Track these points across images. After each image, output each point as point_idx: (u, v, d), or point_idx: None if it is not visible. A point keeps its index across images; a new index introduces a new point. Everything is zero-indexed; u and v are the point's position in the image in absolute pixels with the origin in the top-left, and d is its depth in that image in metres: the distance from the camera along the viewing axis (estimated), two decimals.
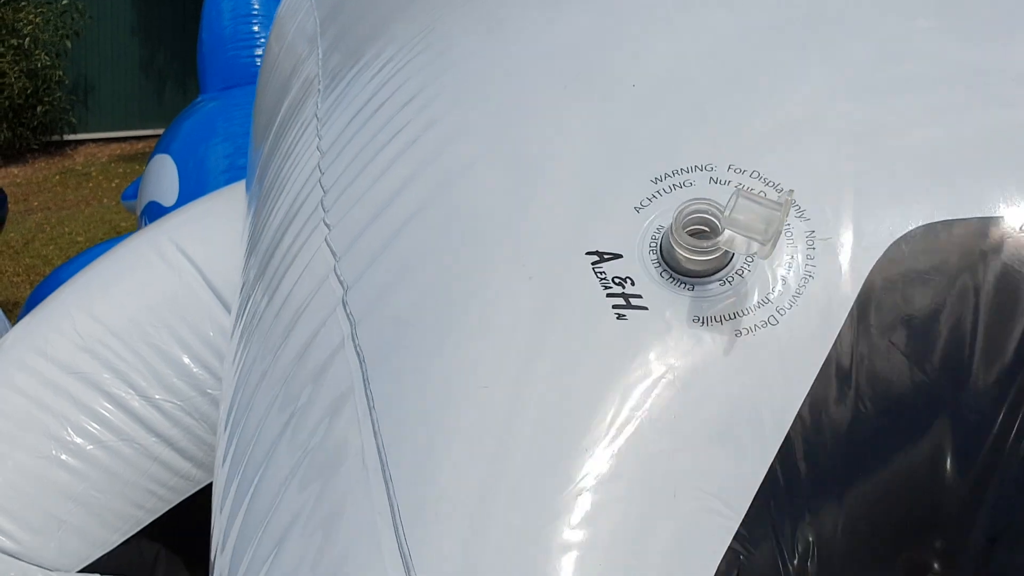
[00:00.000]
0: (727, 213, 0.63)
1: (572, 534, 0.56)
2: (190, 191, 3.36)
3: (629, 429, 0.60)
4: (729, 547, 0.55)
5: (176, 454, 2.14)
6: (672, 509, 0.57)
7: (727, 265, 0.65)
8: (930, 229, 0.64)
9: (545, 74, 0.89)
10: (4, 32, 8.06)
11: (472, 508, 0.60)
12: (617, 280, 0.66)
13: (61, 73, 8.63)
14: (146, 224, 3.49)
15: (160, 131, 8.98)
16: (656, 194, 0.70)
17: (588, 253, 0.68)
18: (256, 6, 4.00)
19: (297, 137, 1.31)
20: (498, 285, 0.71)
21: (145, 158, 8.25)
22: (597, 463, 0.58)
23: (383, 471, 0.65)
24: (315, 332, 0.86)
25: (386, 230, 0.86)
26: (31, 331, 2.28)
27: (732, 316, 0.63)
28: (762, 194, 0.65)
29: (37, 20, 8.23)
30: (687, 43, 0.84)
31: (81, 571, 2.11)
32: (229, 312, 2.15)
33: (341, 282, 0.88)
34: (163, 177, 3.51)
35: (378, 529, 0.62)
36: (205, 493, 2.17)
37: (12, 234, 5.44)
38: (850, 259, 0.64)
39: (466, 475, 0.61)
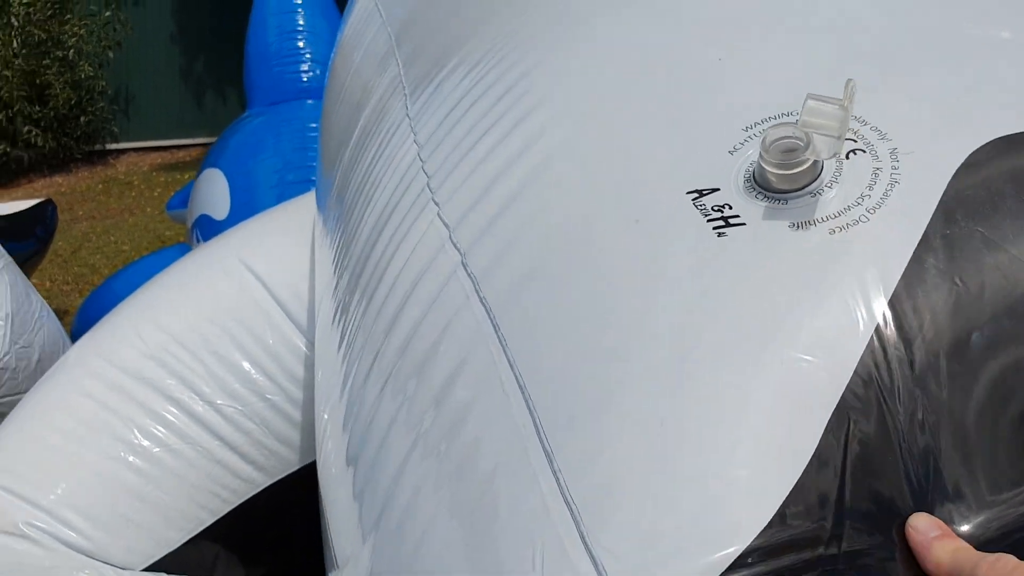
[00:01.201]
0: (800, 118, 0.70)
1: (706, 436, 0.61)
2: (241, 204, 3.48)
3: (738, 334, 0.66)
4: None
5: (238, 458, 2.25)
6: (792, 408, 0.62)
7: (816, 179, 0.71)
8: (1001, 143, 0.71)
9: (632, 58, 0.98)
10: (50, 44, 8.26)
11: (605, 407, 0.67)
12: (716, 208, 0.74)
13: (104, 83, 8.82)
14: (198, 236, 3.60)
15: (200, 140, 9.16)
16: (747, 139, 0.78)
17: (688, 192, 0.76)
18: (301, 23, 4.12)
19: (386, 140, 1.40)
20: (607, 230, 0.80)
21: (185, 167, 8.42)
22: (729, 373, 0.64)
23: (522, 392, 0.73)
24: (435, 296, 0.95)
25: (497, 200, 0.94)
26: (99, 339, 2.39)
27: (824, 219, 0.70)
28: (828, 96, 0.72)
29: (81, 32, 8.43)
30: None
31: (146, 569, 2.21)
32: (293, 322, 2.28)
33: (458, 248, 0.96)
34: (214, 191, 3.64)
35: (523, 437, 0.70)
36: (263, 495, 2.28)
37: (60, 243, 5.59)
38: (932, 167, 0.71)
39: (597, 388, 0.68)
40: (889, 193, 0.70)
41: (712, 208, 0.74)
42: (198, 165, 7.52)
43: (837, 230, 0.69)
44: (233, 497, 2.28)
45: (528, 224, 0.89)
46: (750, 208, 0.73)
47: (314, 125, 3.70)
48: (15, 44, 8.01)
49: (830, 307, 0.66)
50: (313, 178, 3.44)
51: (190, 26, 9.22)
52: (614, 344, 0.71)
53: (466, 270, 0.92)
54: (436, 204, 1.06)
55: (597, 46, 1.05)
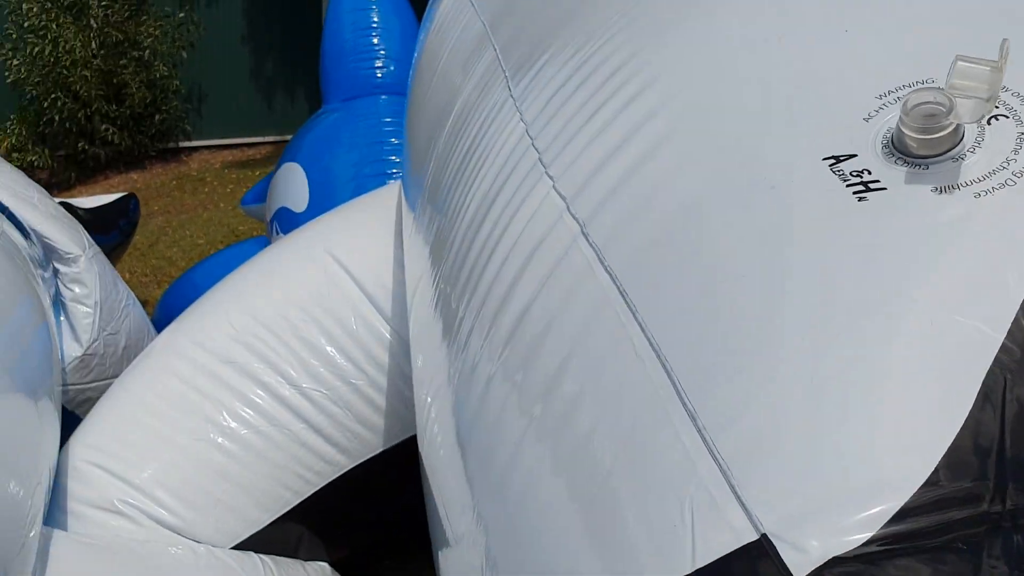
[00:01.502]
0: (948, 80, 0.69)
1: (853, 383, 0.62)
2: (319, 197, 3.55)
3: (884, 293, 0.66)
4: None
5: (322, 440, 2.30)
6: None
7: (957, 144, 0.71)
8: None
9: (754, 30, 0.98)
10: (127, 45, 8.49)
11: (746, 366, 0.67)
12: (854, 173, 0.74)
13: (177, 83, 9.03)
14: (277, 228, 3.69)
15: (269, 138, 9.33)
16: (882, 106, 0.78)
17: (824, 159, 0.76)
18: (375, 19, 4.18)
19: (487, 122, 1.41)
20: (739, 197, 0.80)
21: (256, 164, 8.59)
22: (876, 331, 0.64)
23: (657, 355, 0.74)
24: (551, 269, 0.95)
25: (619, 170, 0.95)
26: (189, 325, 2.47)
27: (969, 183, 0.69)
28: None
29: (156, 33, 8.64)
30: None
31: (233, 548, 2.28)
32: (377, 309, 2.33)
33: (576, 219, 0.97)
34: (293, 184, 3.72)
35: (662, 399, 0.71)
36: (345, 478, 2.33)
37: (137, 236, 5.74)
38: None
39: (736, 344, 0.69)
40: None
41: (850, 173, 0.74)
42: (268, 162, 7.66)
43: (983, 194, 0.69)
44: (317, 479, 2.33)
45: (653, 192, 0.89)
46: (890, 173, 0.73)
47: (388, 120, 3.76)
48: (94, 45, 8.25)
49: (981, 268, 0.66)
50: (389, 171, 3.49)
51: (260, 26, 9.40)
52: (752, 305, 0.71)
53: (587, 240, 0.93)
54: (550, 178, 1.07)
55: (715, 21, 1.05)
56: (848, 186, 0.74)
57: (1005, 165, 0.70)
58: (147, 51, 8.73)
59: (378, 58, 4.16)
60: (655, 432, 0.70)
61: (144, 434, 2.33)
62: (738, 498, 0.61)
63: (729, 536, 0.59)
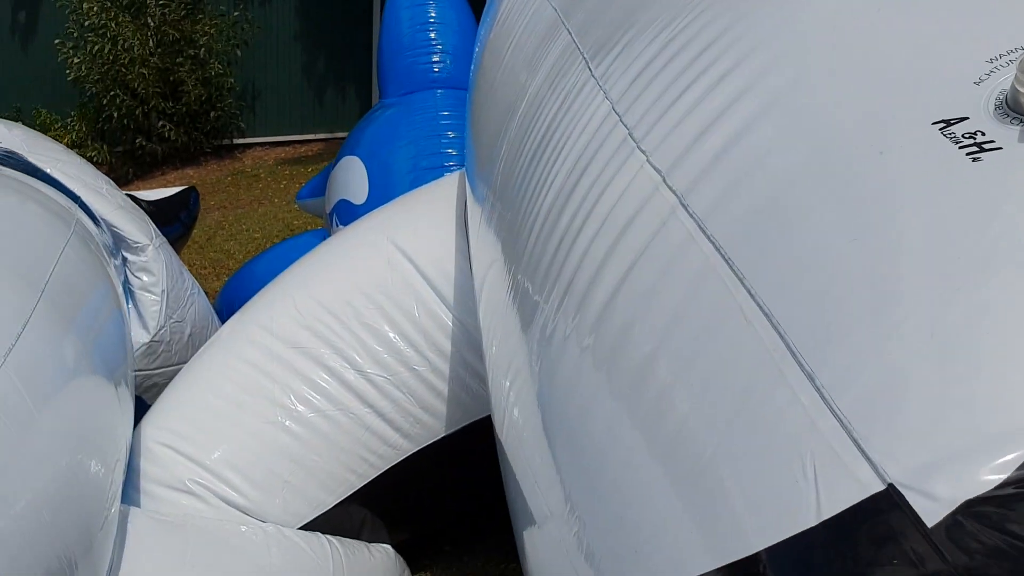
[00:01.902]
0: None
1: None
2: (379, 189, 3.60)
3: (1007, 248, 0.65)
4: None
5: (386, 424, 2.34)
6: None
7: None
8: None
9: (850, 2, 0.98)
10: (183, 44, 8.65)
11: (864, 323, 0.66)
12: (967, 135, 0.73)
13: (232, 81, 9.18)
14: (337, 220, 3.75)
15: (320, 136, 9.46)
16: (993, 70, 0.77)
17: (934, 123, 0.75)
18: (433, 14, 4.22)
19: (566, 104, 1.40)
20: (847, 163, 0.79)
21: (308, 161, 8.70)
22: (999, 286, 0.63)
23: (769, 319, 0.74)
24: (647, 242, 0.95)
25: (716, 143, 0.95)
26: (257, 310, 2.52)
27: None
28: None
29: (212, 32, 8.80)
30: None
31: (300, 528, 2.33)
32: (439, 296, 2.36)
33: (674, 191, 0.96)
34: (352, 177, 3.77)
35: (776, 360, 0.70)
36: (408, 462, 2.37)
37: (195, 231, 5.85)
38: None
39: (852, 305, 0.68)
40: None
41: (963, 136, 0.73)
42: (319, 159, 7.75)
43: None
44: (381, 463, 2.37)
45: (754, 163, 0.89)
46: (1005, 133, 0.72)
47: (446, 113, 3.80)
48: (151, 43, 8.42)
49: None
50: (446, 164, 3.53)
51: (312, 26, 9.52)
52: (866, 266, 0.71)
53: (688, 211, 0.92)
54: (643, 152, 1.06)
55: None
56: (961, 148, 0.73)
57: None
58: (203, 49, 8.89)
59: (435, 53, 4.20)
60: (771, 393, 0.70)
61: (214, 416, 2.39)
62: (862, 451, 0.60)
63: (855, 489, 0.59)
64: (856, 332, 0.67)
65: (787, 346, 0.71)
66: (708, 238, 0.87)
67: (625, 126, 1.15)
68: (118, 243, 3.16)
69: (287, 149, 9.19)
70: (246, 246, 5.89)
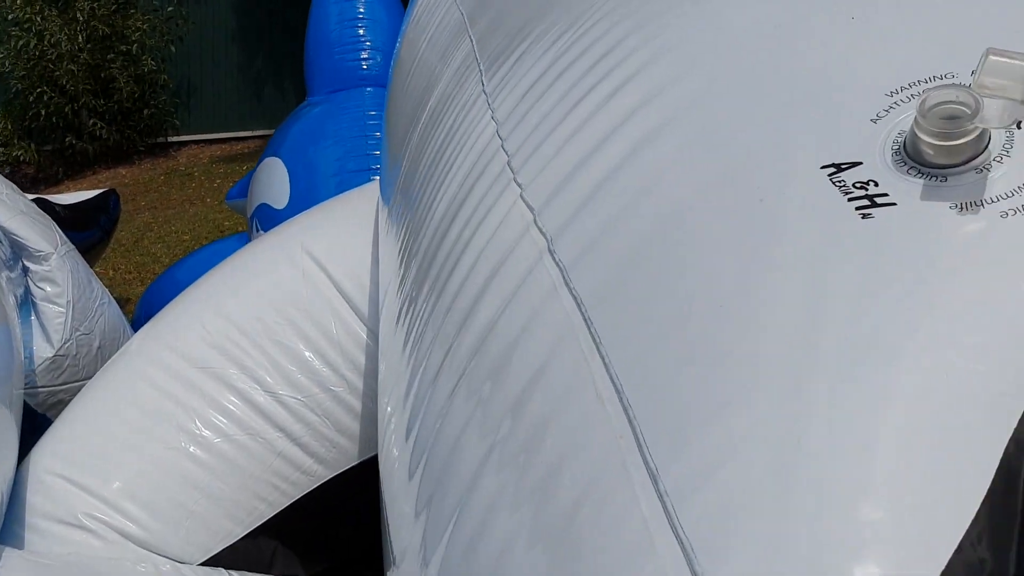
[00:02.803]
0: (975, 78, 0.59)
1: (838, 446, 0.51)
2: (301, 193, 3.44)
3: (884, 335, 0.56)
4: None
5: (299, 449, 2.19)
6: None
7: (982, 152, 0.60)
8: None
9: (748, 20, 0.88)
10: (114, 39, 8.37)
11: (718, 419, 0.57)
12: (858, 184, 0.63)
13: (166, 77, 8.91)
14: (257, 225, 3.58)
15: (258, 132, 9.22)
16: (893, 105, 0.67)
17: (823, 167, 0.65)
18: (362, 10, 4.07)
19: (459, 119, 1.31)
20: (723, 211, 0.70)
21: (244, 159, 8.48)
22: (870, 382, 0.54)
23: (620, 398, 0.64)
24: (516, 288, 0.86)
25: (591, 180, 0.85)
26: (163, 328, 2.36)
27: (995, 199, 0.58)
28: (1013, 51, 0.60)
29: (144, 27, 8.53)
30: None
31: (204, 563, 2.17)
32: (357, 313, 2.22)
33: (544, 233, 0.87)
34: (274, 180, 3.60)
35: (621, 451, 0.61)
36: (323, 490, 2.23)
37: (122, 232, 5.63)
38: None
39: (710, 396, 0.59)
40: None
41: (854, 185, 0.63)
42: (257, 157, 7.55)
43: (1011, 213, 0.57)
44: (294, 490, 2.22)
45: (627, 206, 0.78)
46: (901, 185, 0.61)
47: (374, 113, 3.65)
48: (80, 39, 8.13)
49: (1006, 305, 0.54)
50: (375, 167, 3.38)
51: (249, 20, 9.28)
52: (730, 344, 0.60)
53: (553, 257, 0.82)
54: (519, 185, 0.96)
55: (706, 10, 0.94)
56: (850, 200, 0.62)
57: None
58: (135, 45, 8.62)
59: (364, 49, 4.05)
60: (613, 491, 0.59)
61: (113, 443, 2.22)
62: None
63: None
64: (711, 426, 0.57)
65: (635, 434, 0.61)
66: (571, 292, 0.76)
67: (506, 152, 1.05)
68: (18, 252, 2.97)
69: (223, 147, 8.94)
70: (174, 249, 5.68)
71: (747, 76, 0.82)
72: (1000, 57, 0.59)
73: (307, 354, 2.20)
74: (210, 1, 9.44)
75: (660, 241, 0.73)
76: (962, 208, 0.59)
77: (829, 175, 0.64)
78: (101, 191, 4.54)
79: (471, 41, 1.50)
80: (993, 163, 0.60)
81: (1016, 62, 0.59)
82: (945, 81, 0.65)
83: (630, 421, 0.62)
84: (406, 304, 1.29)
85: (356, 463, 2.20)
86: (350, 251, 2.27)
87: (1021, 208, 0.58)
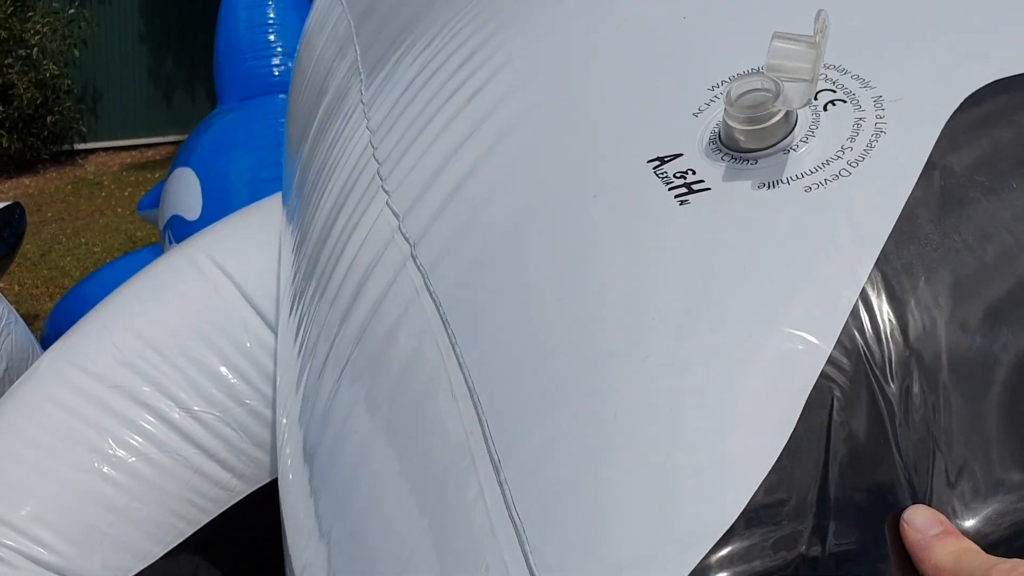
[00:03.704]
0: (768, 61, 0.63)
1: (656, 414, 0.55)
2: (214, 204, 3.39)
3: (713, 309, 0.59)
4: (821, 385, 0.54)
5: (216, 465, 2.17)
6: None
7: (789, 134, 0.65)
8: (1001, 85, 0.64)
9: (593, 24, 0.93)
10: (12, 43, 8.09)
11: (554, 405, 0.60)
12: (678, 174, 0.67)
13: (70, 82, 8.66)
14: (170, 237, 3.51)
15: (170, 138, 9.01)
16: (713, 99, 0.71)
17: (649, 161, 0.70)
18: (272, 15, 4.02)
19: (341, 128, 1.33)
20: (564, 208, 0.74)
21: (156, 166, 8.28)
22: (686, 357, 0.57)
23: (471, 395, 0.67)
24: (385, 291, 0.89)
25: (447, 185, 0.88)
26: (71, 347, 2.30)
27: (799, 176, 0.63)
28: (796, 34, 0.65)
29: (45, 30, 8.26)
30: None
31: None
32: (267, 323, 2.20)
33: (407, 239, 0.90)
34: (185, 190, 3.54)
35: (469, 443, 0.65)
36: (242, 505, 2.21)
37: (28, 246, 5.47)
38: (923, 113, 0.64)
39: (545, 385, 0.62)
40: (874, 144, 0.63)
41: (674, 175, 0.67)
42: (169, 164, 7.38)
43: (813, 187, 0.62)
44: (212, 507, 2.20)
45: (478, 208, 0.82)
46: (715, 170, 0.66)
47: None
48: None
49: (807, 273, 0.58)
50: None
51: (158, 23, 9.06)
52: (564, 335, 0.64)
53: (416, 262, 0.86)
54: (386, 192, 0.99)
55: (555, 14, 0.99)
56: (671, 189, 0.67)
57: (840, 154, 0.63)
58: (35, 49, 8.35)
59: (275, 55, 4.01)
60: (463, 487, 0.63)
61: (23, 468, 2.17)
62: (530, 569, 0.53)
63: None
64: (543, 415, 0.61)
65: (483, 431, 0.64)
66: (431, 295, 0.80)
67: (376, 160, 1.08)
68: None
69: (133, 154, 8.72)
70: (84, 262, 5.52)
71: (589, 78, 0.86)
72: (783, 41, 0.64)
73: (221, 368, 2.17)
74: (116, 4, 9.19)
75: (504, 243, 0.77)
76: (767, 186, 0.64)
77: (654, 168, 0.69)
78: (5, 204, 4.40)
79: (356, 50, 1.52)
80: (799, 144, 0.64)
81: (796, 44, 0.63)
82: (748, 71, 0.70)
83: (479, 417, 0.65)
84: (295, 306, 1.32)
85: (276, 478, 2.19)
86: (260, 261, 2.24)
87: (822, 183, 0.62)
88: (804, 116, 0.65)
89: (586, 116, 0.82)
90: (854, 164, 0.62)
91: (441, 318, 0.77)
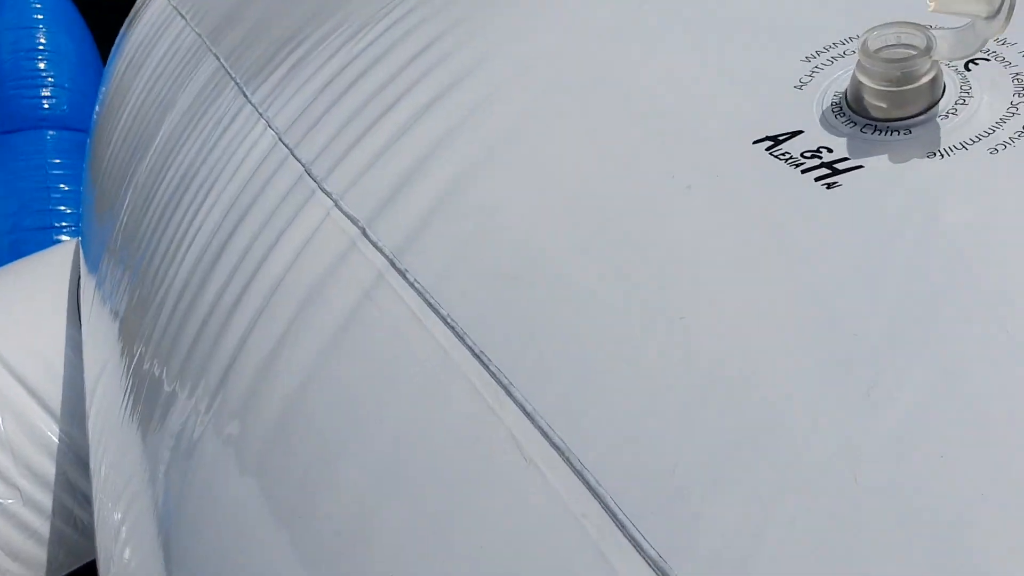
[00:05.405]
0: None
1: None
2: None
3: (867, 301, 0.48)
4: None
5: None
6: None
7: (941, 99, 0.53)
8: None
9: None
10: None
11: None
12: (808, 153, 0.54)
13: None
14: None
15: None
16: (815, 70, 0.59)
17: (756, 142, 0.56)
18: (42, 40, 3.57)
19: (214, 135, 1.15)
20: (642, 208, 0.58)
21: None
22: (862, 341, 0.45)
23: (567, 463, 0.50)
24: (352, 311, 0.71)
25: (431, 188, 0.71)
26: None
27: (978, 137, 0.52)
28: None
29: None
30: None
31: None
32: (40, 403, 1.79)
33: (380, 248, 0.72)
34: None
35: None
36: None
37: None
38: None
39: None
40: None
41: (802, 155, 0.54)
42: None
43: (999, 148, 0.50)
44: None
45: (492, 215, 0.65)
46: (861, 146, 0.53)
47: (58, 161, 3.21)
48: None
49: None
50: (57, 224, 2.94)
51: None
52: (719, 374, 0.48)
53: (405, 278, 0.66)
54: (328, 195, 0.80)
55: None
56: (805, 171, 0.53)
57: (1014, 111, 0.52)
58: None
59: (45, 86, 3.55)
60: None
61: None
62: None
63: None
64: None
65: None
66: (444, 319, 0.62)
67: (299, 161, 0.90)
68: None
69: None
70: None
71: (625, 58, 0.71)
72: None
73: None
74: None
75: (546, 252, 0.61)
76: (941, 155, 0.51)
77: (767, 149, 0.55)
78: None
79: (218, 59, 1.35)
80: (958, 106, 0.53)
81: None
82: (883, 24, 0.55)
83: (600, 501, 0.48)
84: (145, 378, 1.06)
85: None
86: (32, 331, 1.89)
87: (1008, 142, 0.51)
88: (950, 80, 0.54)
89: (633, 101, 0.65)
90: None
91: (474, 353, 0.56)
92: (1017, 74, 0.55)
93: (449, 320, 0.60)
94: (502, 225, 0.63)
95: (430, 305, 0.62)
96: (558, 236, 0.60)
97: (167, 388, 0.96)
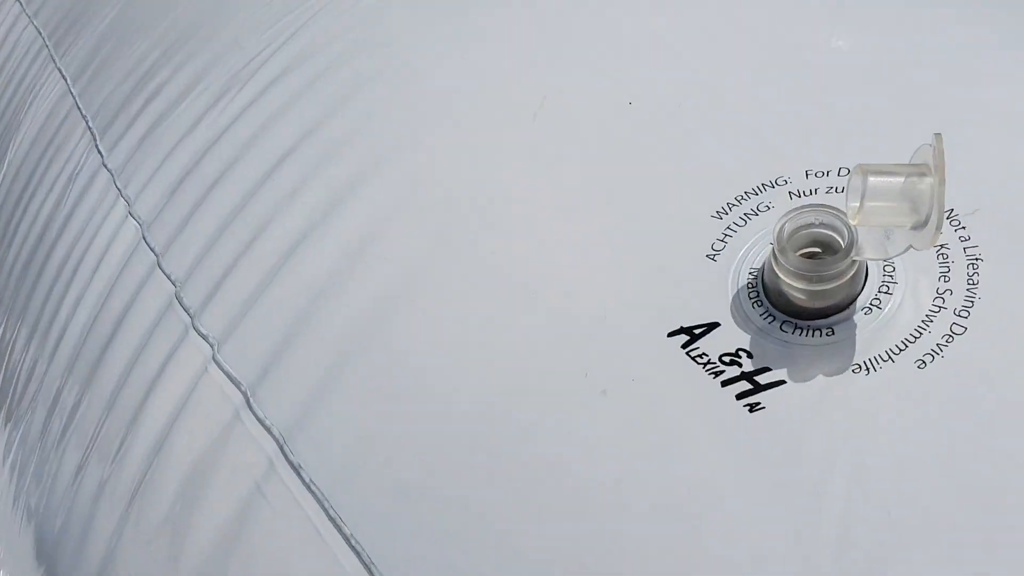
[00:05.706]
0: (852, 205, 0.46)
1: None
2: None
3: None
4: None
5: None
6: None
7: (859, 292, 0.49)
8: None
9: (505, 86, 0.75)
10: None
11: None
12: (727, 358, 0.47)
13: None
14: None
15: None
16: (727, 232, 0.52)
17: (671, 334, 0.48)
18: None
19: (69, 204, 1.05)
20: (567, 409, 0.52)
21: None
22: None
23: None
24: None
25: (321, 358, 0.67)
26: None
27: (904, 344, 0.47)
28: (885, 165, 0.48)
29: None
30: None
31: None
32: None
33: (268, 427, 0.65)
34: None
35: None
36: None
37: None
38: (1017, 225, 0.50)
39: None
40: (975, 279, 0.48)
41: (720, 359, 0.47)
42: None
43: (927, 360, 0.46)
44: None
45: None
46: (782, 353, 0.47)
47: None
48: None
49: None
50: None
51: None
52: None
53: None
54: (207, 341, 0.71)
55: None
56: (726, 384, 0.47)
57: (941, 303, 0.48)
58: None
59: None
60: None
61: None
62: None
63: None
64: None
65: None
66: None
67: (152, 251, 0.85)
68: None
69: None
70: None
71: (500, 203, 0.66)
72: (878, 176, 0.46)
73: None
74: None
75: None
76: (867, 368, 0.46)
77: (683, 346, 0.48)
78: None
79: (64, 79, 1.27)
80: (880, 294, 0.48)
81: (896, 177, 0.46)
82: (798, 208, 0.50)
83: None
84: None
85: None
86: None
87: (936, 350, 0.46)
88: (872, 264, 0.49)
89: (516, 271, 0.56)
90: (963, 313, 0.47)
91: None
92: (940, 248, 0.49)
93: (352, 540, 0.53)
94: (399, 433, 0.56)
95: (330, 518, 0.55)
96: (461, 454, 0.53)
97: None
